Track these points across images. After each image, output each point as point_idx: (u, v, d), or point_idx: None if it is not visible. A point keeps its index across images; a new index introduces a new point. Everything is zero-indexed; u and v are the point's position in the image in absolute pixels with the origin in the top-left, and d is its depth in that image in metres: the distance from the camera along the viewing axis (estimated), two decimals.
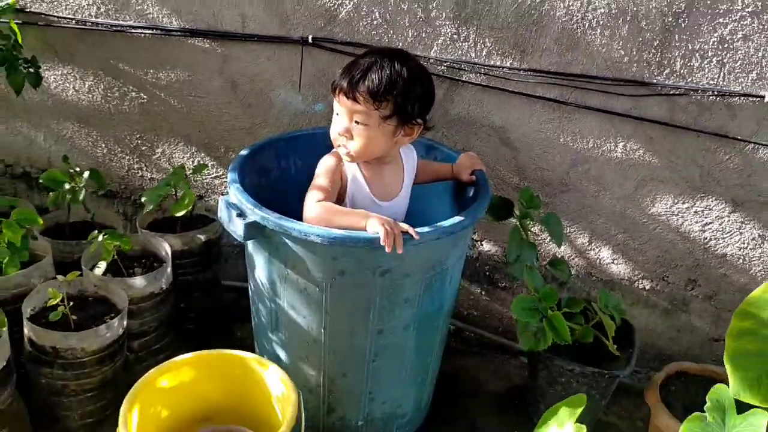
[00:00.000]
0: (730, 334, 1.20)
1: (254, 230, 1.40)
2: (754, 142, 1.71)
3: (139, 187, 2.23)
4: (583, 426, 1.17)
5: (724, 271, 1.87)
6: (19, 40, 1.71)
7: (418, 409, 1.73)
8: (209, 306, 2.01)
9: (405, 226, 1.33)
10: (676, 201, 1.83)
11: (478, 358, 2.06)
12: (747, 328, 1.19)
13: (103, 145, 2.19)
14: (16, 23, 1.79)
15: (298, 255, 1.40)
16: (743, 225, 1.81)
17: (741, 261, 1.85)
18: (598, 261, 1.96)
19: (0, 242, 1.55)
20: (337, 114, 1.46)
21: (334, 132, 1.47)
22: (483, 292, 2.09)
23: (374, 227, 1.31)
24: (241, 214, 1.40)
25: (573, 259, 1.97)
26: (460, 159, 1.66)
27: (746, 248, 1.84)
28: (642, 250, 1.91)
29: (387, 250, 1.28)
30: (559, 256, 1.92)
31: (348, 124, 1.44)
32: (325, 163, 1.51)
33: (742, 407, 1.17)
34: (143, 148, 2.17)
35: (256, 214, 1.37)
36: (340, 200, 1.51)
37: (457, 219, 1.41)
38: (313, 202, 1.42)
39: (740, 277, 1.87)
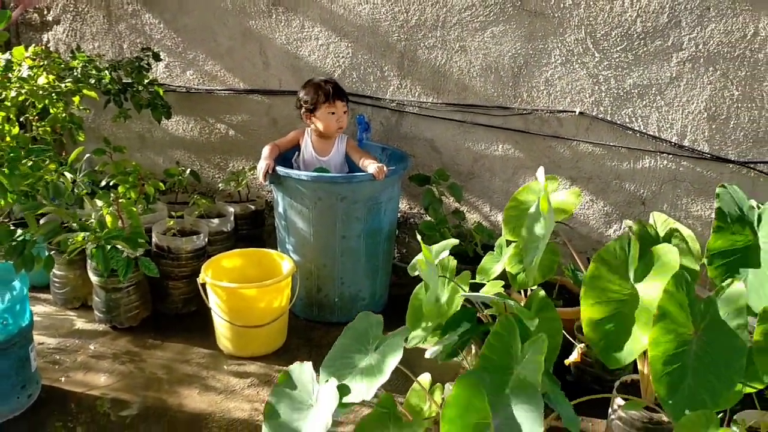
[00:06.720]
0: (505, 209, 2.33)
1: (275, 178, 2.65)
2: (575, 139, 2.85)
3: (217, 188, 3.54)
4: None
5: (570, 224, 2.96)
6: (161, 93, 3.10)
7: (373, 299, 2.86)
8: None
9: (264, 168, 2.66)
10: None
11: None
12: (512, 206, 2.32)
13: (198, 163, 3.55)
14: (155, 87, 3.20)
15: (297, 189, 2.63)
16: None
17: (582, 217, 2.95)
18: (497, 223, 3.08)
19: (140, 197, 2.84)
20: (332, 113, 2.74)
21: (335, 120, 2.75)
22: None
23: (260, 163, 2.69)
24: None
25: (482, 222, 3.10)
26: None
27: (583, 208, 2.93)
28: None
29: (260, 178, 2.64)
30: (459, 210, 3.05)
31: (341, 114, 2.74)
32: (295, 131, 2.88)
33: (509, 243, 2.29)
34: (221, 164, 3.51)
35: (277, 169, 2.63)
36: (293, 150, 2.88)
37: None
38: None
39: (581, 228, 2.95)
